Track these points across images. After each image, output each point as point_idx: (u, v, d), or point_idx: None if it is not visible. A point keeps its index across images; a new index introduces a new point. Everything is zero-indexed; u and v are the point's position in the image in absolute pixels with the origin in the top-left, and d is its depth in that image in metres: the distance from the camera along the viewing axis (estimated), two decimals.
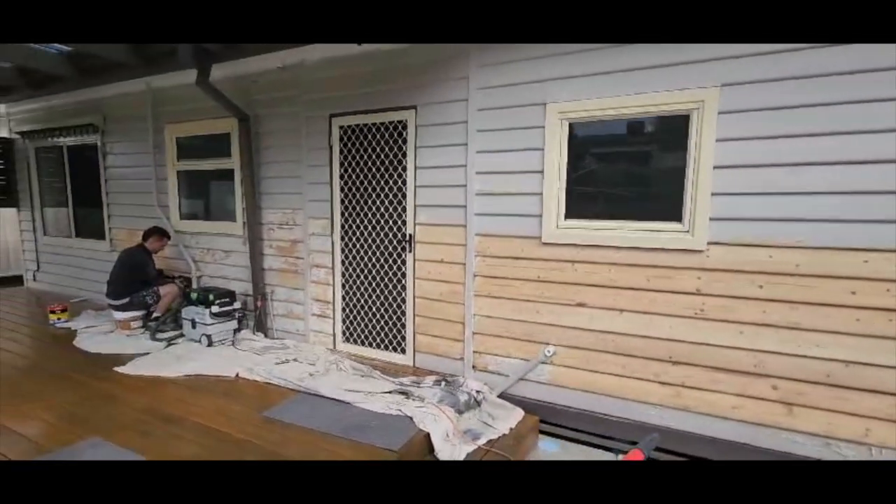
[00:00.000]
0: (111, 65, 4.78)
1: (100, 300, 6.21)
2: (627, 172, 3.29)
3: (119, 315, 4.93)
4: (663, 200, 3.12)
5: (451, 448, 2.99)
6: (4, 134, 7.14)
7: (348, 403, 3.36)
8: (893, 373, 2.61)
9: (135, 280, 4.89)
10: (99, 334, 4.88)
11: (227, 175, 5.09)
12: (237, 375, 3.89)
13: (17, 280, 8.38)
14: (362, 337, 4.43)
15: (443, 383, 3.68)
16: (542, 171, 3.38)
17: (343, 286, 4.47)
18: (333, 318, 4.55)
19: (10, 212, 7.85)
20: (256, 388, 3.71)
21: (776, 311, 2.83)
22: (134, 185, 5.86)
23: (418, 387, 3.63)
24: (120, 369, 3.97)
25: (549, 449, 3.47)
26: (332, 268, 4.49)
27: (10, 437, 2.84)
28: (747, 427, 2.97)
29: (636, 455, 2.00)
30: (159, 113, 5.42)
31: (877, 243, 2.58)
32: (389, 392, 3.52)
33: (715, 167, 2.88)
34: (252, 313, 4.93)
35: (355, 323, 4.46)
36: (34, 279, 7.35)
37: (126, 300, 4.85)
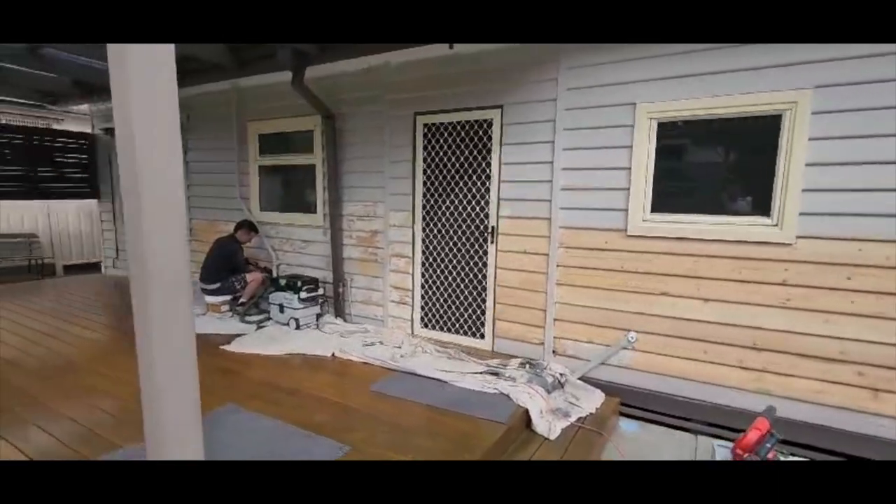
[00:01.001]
0: (208, 67, 5.13)
1: None
2: (713, 169, 3.48)
3: (210, 298, 5.32)
4: (750, 196, 3.30)
5: (546, 424, 3.24)
6: (88, 130, 7.64)
7: (444, 382, 3.64)
8: None
9: (226, 267, 5.27)
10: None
11: (308, 169, 5.43)
12: (333, 355, 4.22)
13: (94, 267, 8.95)
14: (441, 323, 4.71)
15: (527, 366, 3.93)
16: (629, 168, 3.59)
17: (423, 275, 4.76)
18: (412, 305, 4.85)
19: (90, 203, 8.39)
20: (353, 366, 4.02)
21: (864, 301, 2.99)
22: (214, 179, 6.26)
23: (505, 368, 3.88)
24: (225, 347, 4.34)
25: (629, 429, 3.69)
26: (412, 257, 4.78)
27: None
28: (830, 410, 3.14)
29: (763, 423, 2.21)
30: (243, 111, 5.79)
31: None
32: (480, 373, 3.79)
33: (807, 165, 3.04)
34: (331, 299, 5.26)
35: (434, 310, 4.74)
36: (114, 266, 7.85)
37: (217, 285, 5.24)
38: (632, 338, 3.73)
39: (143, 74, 1.37)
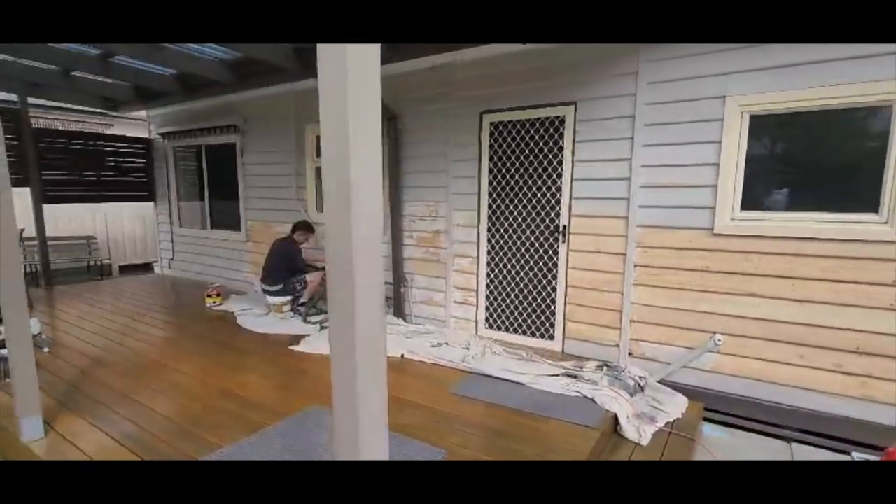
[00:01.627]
0: (270, 69, 5.19)
1: (233, 286, 6.77)
2: (811, 164, 3.30)
3: (272, 299, 5.38)
4: (854, 192, 3.13)
5: (634, 429, 3.14)
6: (144, 135, 7.86)
7: (521, 384, 3.57)
8: None
9: (287, 269, 5.32)
10: (255, 317, 5.34)
11: None
12: (402, 356, 4.19)
13: (146, 267, 9.22)
14: (506, 323, 4.64)
15: (604, 368, 3.82)
16: (717, 164, 3.45)
17: (488, 275, 4.70)
18: (476, 306, 4.79)
19: (144, 206, 8.63)
20: (423, 367, 3.99)
21: None
22: (270, 181, 6.34)
23: (581, 370, 3.79)
24: (294, 348, 4.37)
25: (714, 434, 3.54)
26: (477, 257, 4.72)
27: (251, 403, 3.23)
28: None
29: None
30: (301, 113, 5.84)
31: None
32: (557, 375, 3.70)
33: None
34: (390, 300, 5.25)
35: (499, 310, 4.67)
36: (169, 267, 8.06)
37: (280, 286, 5.29)
38: (718, 340, 3.58)
39: (357, 74, 1.35)
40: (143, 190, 7.89)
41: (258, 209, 6.59)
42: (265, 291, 5.40)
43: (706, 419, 3.65)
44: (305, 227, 5.55)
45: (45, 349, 4.12)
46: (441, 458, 2.56)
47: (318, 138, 5.78)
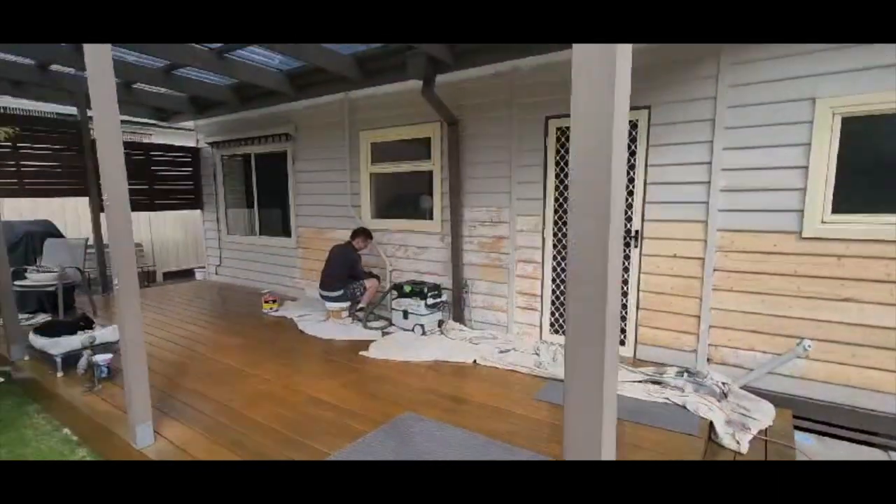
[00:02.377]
0: (329, 79, 5.25)
1: (283, 291, 6.84)
2: None
3: (332, 305, 5.42)
4: None
5: (730, 436, 3.08)
6: (191, 144, 8.00)
7: None
8: None
9: (347, 275, 5.36)
10: (315, 322, 5.39)
11: (422, 176, 5.46)
12: (474, 362, 4.19)
13: (189, 274, 9.35)
14: None
15: (685, 374, 3.78)
16: (805, 167, 3.40)
17: (553, 280, 4.68)
18: (541, 311, 4.78)
19: (186, 213, 8.78)
20: (499, 373, 3.98)
21: None
22: (322, 188, 6.40)
23: (662, 376, 3.75)
24: (365, 353, 4.39)
25: (805, 443, 3.47)
26: (542, 263, 4.71)
27: (344, 410, 3.25)
28: None
29: None
30: (354, 120, 5.90)
31: None
32: (641, 381, 3.67)
33: None
34: (449, 305, 5.26)
35: (565, 316, 4.64)
36: (216, 273, 8.18)
37: (340, 292, 5.34)
38: (808, 346, 3.51)
39: (623, 75, 1.38)
40: (190, 198, 8.03)
41: (309, 216, 6.65)
42: (324, 297, 5.45)
43: (796, 427, 3.58)
44: (365, 233, 5.59)
45: (111, 355, 4.19)
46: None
47: (372, 146, 5.84)
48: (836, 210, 3.37)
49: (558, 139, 4.48)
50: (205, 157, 7.96)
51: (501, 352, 4.39)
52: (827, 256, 3.40)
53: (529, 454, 2.66)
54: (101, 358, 3.69)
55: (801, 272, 3.50)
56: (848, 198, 3.34)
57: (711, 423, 3.12)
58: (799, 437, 3.51)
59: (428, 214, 5.51)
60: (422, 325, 4.91)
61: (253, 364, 4.12)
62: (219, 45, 4.66)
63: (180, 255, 9.96)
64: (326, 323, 5.37)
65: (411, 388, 3.66)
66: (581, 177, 1.43)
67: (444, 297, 5.14)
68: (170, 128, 8.63)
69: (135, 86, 6.09)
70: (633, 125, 4.08)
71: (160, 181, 7.64)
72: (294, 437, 2.88)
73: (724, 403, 3.52)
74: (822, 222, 3.40)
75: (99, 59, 2.47)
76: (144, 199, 7.46)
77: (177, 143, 8.17)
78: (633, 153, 4.11)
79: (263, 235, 7.36)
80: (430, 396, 3.48)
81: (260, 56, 5.07)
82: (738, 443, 3.04)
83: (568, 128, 4.31)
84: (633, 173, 4.12)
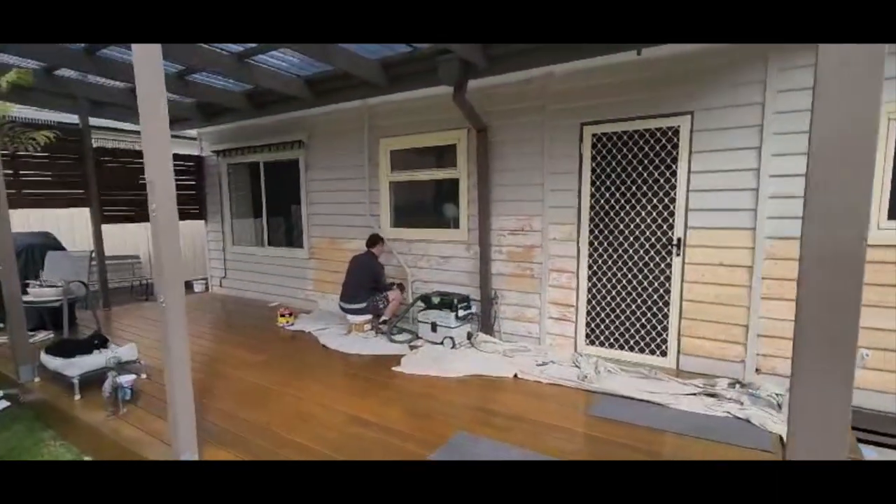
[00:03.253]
0: (351, 84, 5.10)
1: (295, 304, 6.60)
2: None
3: (354, 318, 5.22)
4: None
5: None
6: (194, 153, 7.75)
7: (661, 405, 3.40)
8: None
9: (370, 286, 5.17)
10: (337, 336, 5.17)
11: (446, 184, 5.32)
12: (515, 376, 4.03)
13: (187, 286, 9.01)
14: (610, 339, 4.49)
15: (737, 386, 3.67)
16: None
17: (589, 290, 4.55)
18: (576, 322, 4.64)
19: (185, 223, 8.46)
20: (543, 387, 3.81)
21: None
22: (338, 197, 6.22)
23: (714, 388, 3.63)
24: (397, 368, 4.20)
25: (869, 455, 3.37)
26: (576, 272, 4.58)
27: (390, 430, 3.05)
28: None
29: None
30: (374, 127, 5.74)
31: None
32: (695, 394, 3.55)
33: None
34: (477, 316, 5.09)
35: (602, 326, 4.52)
36: (220, 285, 7.88)
37: (363, 304, 5.14)
38: (865, 354, 3.43)
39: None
40: (194, 208, 7.75)
41: (323, 225, 6.44)
42: (346, 310, 5.23)
43: (859, 440, 3.48)
44: (381, 239, 5.41)
45: (144, 375, 3.93)
46: None
47: (392, 153, 5.68)
48: (892, 216, 3.32)
49: (594, 146, 4.38)
50: (209, 166, 7.70)
51: (539, 364, 4.23)
52: (883, 263, 3.34)
53: None
54: (125, 379, 3.43)
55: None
56: None
57: (781, 438, 3.00)
58: (864, 450, 3.43)
59: (453, 223, 5.36)
60: (452, 338, 4.73)
61: (281, 382, 3.89)
62: (240, 48, 4.47)
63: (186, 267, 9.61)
64: (349, 337, 5.15)
65: (455, 405, 3.47)
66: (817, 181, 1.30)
67: (473, 309, 4.98)
68: (172, 136, 8.34)
69: None
70: (675, 132, 4.00)
71: None
72: (345, 460, 2.67)
73: (781, 415, 3.42)
74: (879, 228, 3.34)
75: (148, 60, 2.29)
76: (144, 210, 7.13)
77: (180, 153, 7.87)
78: (674, 160, 4.03)
79: (272, 246, 7.12)
80: (479, 413, 3.31)
81: (278, 61, 4.90)
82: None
83: (605, 133, 4.24)
84: (675, 180, 4.03)
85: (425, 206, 5.70)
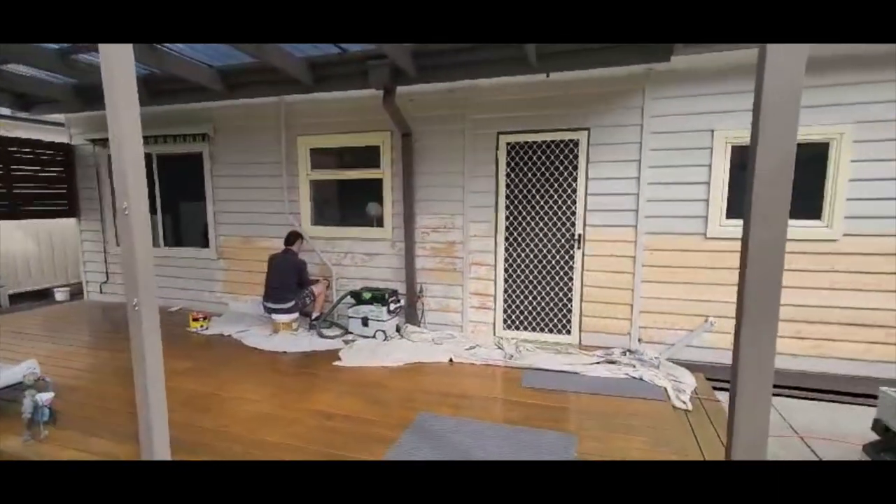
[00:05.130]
0: (276, 80, 5.00)
1: (199, 308, 6.24)
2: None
3: (281, 317, 5.18)
4: (800, 203, 4.25)
5: (678, 399, 3.88)
6: (65, 140, 6.76)
7: (577, 373, 4.11)
8: None
9: (296, 284, 5.17)
10: (263, 337, 5.08)
11: (370, 183, 5.52)
12: (451, 360, 4.46)
13: (45, 295, 7.83)
14: (524, 323, 5.16)
15: (628, 353, 4.55)
16: (708, 182, 4.38)
17: (505, 280, 5.16)
18: (494, 309, 5.23)
19: (40, 222, 7.35)
20: (478, 368, 4.31)
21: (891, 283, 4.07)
22: (252, 194, 6.01)
23: (611, 356, 4.46)
24: (338, 363, 4.36)
25: (720, 396, 4.46)
26: (495, 265, 5.16)
27: (361, 420, 3.26)
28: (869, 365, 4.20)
29: None
30: (292, 125, 5.68)
31: None
32: (599, 362, 4.33)
33: (850, 180, 4.05)
34: (403, 308, 5.42)
35: (517, 312, 5.17)
36: (100, 291, 7.01)
37: (292, 303, 5.13)
38: (712, 322, 4.52)
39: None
40: (62, 204, 6.77)
41: (234, 224, 6.17)
42: (272, 310, 5.17)
43: (714, 388, 4.56)
44: (300, 236, 5.43)
45: (52, 394, 3.54)
46: (575, 442, 2.97)
47: (312, 152, 5.70)
48: (729, 216, 4.41)
49: (509, 153, 4.97)
50: (82, 157, 6.78)
51: (468, 349, 4.73)
52: (724, 252, 4.43)
53: (556, 434, 3.05)
54: (44, 398, 3.11)
55: (707, 265, 4.49)
56: (737, 206, 4.40)
57: (665, 390, 3.87)
58: (719, 395, 4.51)
59: (377, 222, 5.58)
60: (384, 331, 5.00)
61: (222, 387, 3.82)
62: None
63: (33, 273, 8.26)
64: (276, 337, 5.11)
65: (407, 390, 3.80)
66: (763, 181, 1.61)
67: (402, 303, 5.29)
68: (28, 120, 7.13)
69: (4, 68, 5.02)
70: (575, 144, 4.75)
71: (23, 184, 6.32)
72: (326, 450, 2.86)
73: (659, 371, 4.36)
74: (721, 226, 4.42)
75: (119, 58, 2.20)
76: (2, 206, 6.10)
77: (43, 139, 6.78)
78: (574, 168, 4.78)
79: (170, 246, 6.58)
80: (432, 396, 3.68)
81: (186, 46, 4.57)
82: (684, 403, 3.82)
83: (518, 143, 4.84)
84: (576, 185, 4.79)
85: (349, 205, 5.82)
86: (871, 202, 4.04)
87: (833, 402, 4.21)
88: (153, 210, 6.55)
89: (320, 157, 5.71)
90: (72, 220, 7.04)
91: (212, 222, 6.24)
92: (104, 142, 6.49)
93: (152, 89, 5.55)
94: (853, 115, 4.01)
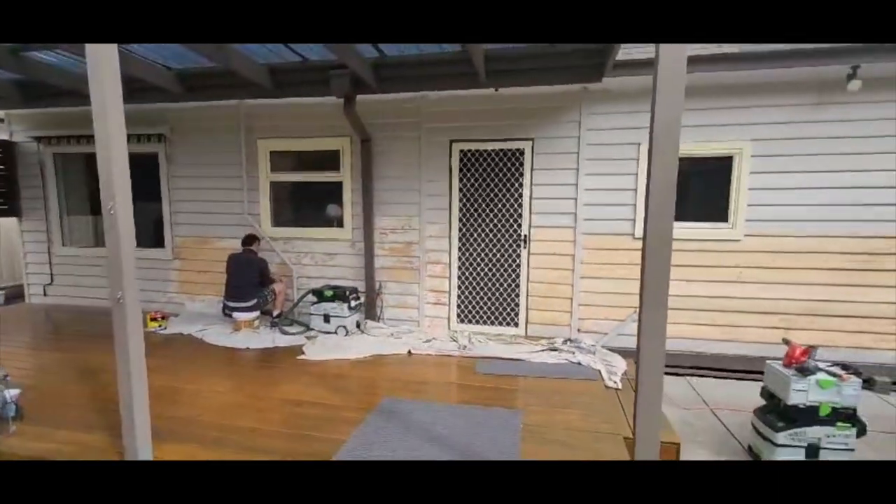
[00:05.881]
0: (235, 84, 5.12)
1: (152, 308, 6.22)
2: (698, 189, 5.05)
3: (243, 315, 5.32)
4: (710, 208, 4.93)
5: (610, 379, 4.42)
6: (4, 137, 6.50)
7: (523, 360, 4.57)
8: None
9: (257, 282, 5.33)
10: (225, 335, 5.20)
11: (331, 186, 5.76)
12: (409, 352, 4.80)
13: None
14: (477, 317, 5.58)
15: (568, 342, 5.07)
16: (635, 189, 4.98)
17: (459, 277, 5.56)
18: (449, 305, 5.62)
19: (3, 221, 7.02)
20: (434, 358, 4.68)
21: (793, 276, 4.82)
22: (211, 195, 6.08)
23: (555, 345, 4.96)
24: (303, 357, 4.59)
25: None
26: (449, 264, 5.55)
27: (328, 405, 3.53)
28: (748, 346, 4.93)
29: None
30: (252, 127, 5.81)
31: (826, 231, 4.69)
32: (543, 350, 4.81)
33: (749, 188, 4.76)
34: (363, 305, 5.70)
35: (470, 306, 5.58)
36: (44, 294, 6.78)
37: (254, 301, 5.29)
38: (636, 314, 5.11)
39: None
40: (2, 203, 6.50)
41: (191, 224, 6.20)
42: (233, 309, 5.30)
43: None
44: (257, 239, 5.58)
45: (19, 390, 3.56)
46: (521, 416, 3.39)
47: (272, 154, 5.86)
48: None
49: (461, 159, 5.38)
50: (24, 154, 6.55)
51: (425, 342, 5.09)
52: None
53: (504, 410, 3.46)
54: (11, 393, 3.18)
55: (635, 262, 5.06)
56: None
57: (599, 372, 4.40)
58: None
59: (337, 223, 5.83)
60: (345, 327, 5.26)
61: (190, 381, 3.97)
62: None
63: None
64: (238, 334, 5.24)
65: (371, 379, 4.11)
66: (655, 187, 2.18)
67: (361, 300, 5.57)
68: None
69: None
70: (521, 152, 5.23)
71: None
72: (298, 432, 3.12)
73: (595, 357, 4.91)
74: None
75: (107, 60, 2.40)
76: None
77: None
78: (521, 174, 5.26)
79: None
80: (394, 383, 4.00)
81: (142, 47, 4.61)
82: (615, 383, 4.36)
83: (470, 150, 5.27)
84: (522, 190, 5.27)
85: (309, 206, 6.02)
86: (767, 207, 4.77)
87: (741, 379, 4.92)
88: (100, 210, 6.43)
89: (281, 160, 5.89)
90: (12, 220, 6.76)
91: (167, 222, 6.24)
92: (50, 139, 6.34)
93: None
94: (750, 134, 4.72)
